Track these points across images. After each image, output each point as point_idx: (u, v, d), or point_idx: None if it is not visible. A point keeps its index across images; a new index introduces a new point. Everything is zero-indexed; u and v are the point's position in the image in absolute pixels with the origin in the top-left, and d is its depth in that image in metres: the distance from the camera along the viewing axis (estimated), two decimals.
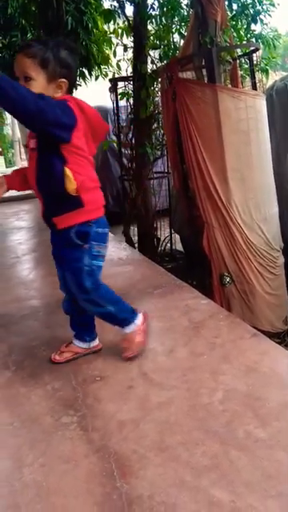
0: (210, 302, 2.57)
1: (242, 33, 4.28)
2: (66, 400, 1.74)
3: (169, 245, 5.16)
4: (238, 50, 3.50)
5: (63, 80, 1.69)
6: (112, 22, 4.84)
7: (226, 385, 1.74)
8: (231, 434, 1.47)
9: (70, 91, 1.75)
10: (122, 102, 4.90)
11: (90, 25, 6.18)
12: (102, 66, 6.49)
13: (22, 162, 16.50)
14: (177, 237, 5.20)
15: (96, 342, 2.08)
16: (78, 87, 7.12)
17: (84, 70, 6.76)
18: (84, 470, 1.37)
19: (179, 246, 5.22)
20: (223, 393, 1.69)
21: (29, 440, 1.54)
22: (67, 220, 1.76)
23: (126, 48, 4.74)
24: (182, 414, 1.59)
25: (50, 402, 1.75)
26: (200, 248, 3.22)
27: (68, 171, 1.67)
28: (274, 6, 4.19)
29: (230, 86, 3.24)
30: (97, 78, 6.71)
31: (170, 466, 1.36)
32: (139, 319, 2.01)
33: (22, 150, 14.71)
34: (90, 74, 6.73)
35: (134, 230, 5.11)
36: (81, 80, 6.95)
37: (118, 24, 5.05)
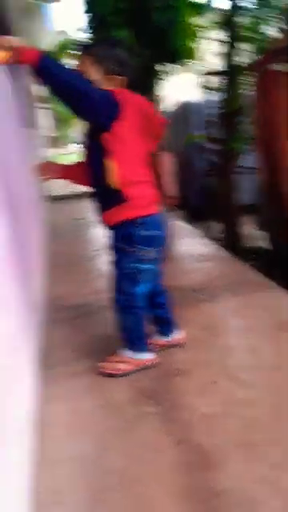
0: None
1: None
2: (148, 391, 1.77)
3: (254, 242, 5.03)
4: None
5: (118, 77, 1.72)
6: (202, 16, 4.80)
7: None
8: None
9: (131, 88, 1.75)
10: (211, 97, 4.84)
11: (178, 19, 6.16)
12: (188, 61, 6.46)
13: None
14: (262, 234, 5.06)
15: (178, 335, 2.08)
16: (161, 82, 7.16)
17: (169, 65, 6.77)
18: (166, 460, 1.39)
19: (264, 244, 5.08)
20: None
21: (112, 426, 1.58)
22: (114, 216, 1.73)
23: (215, 42, 4.68)
24: (266, 413, 1.55)
25: (132, 391, 1.78)
26: (287, 245, 3.11)
27: (110, 163, 1.65)
28: None
29: None
30: (184, 72, 6.68)
31: (252, 462, 1.34)
32: (140, 357, 1.93)
33: None
34: (177, 69, 6.71)
35: (217, 226, 5.05)
36: (168, 75, 6.97)
37: (209, 17, 4.99)
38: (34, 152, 4.50)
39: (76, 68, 1.69)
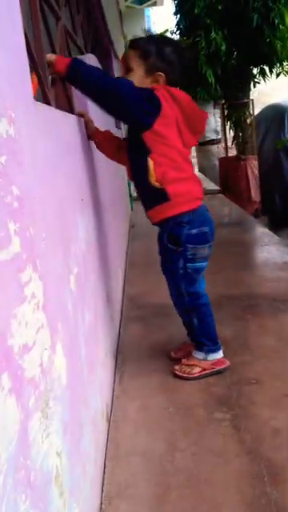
0: None
1: None
2: (220, 396, 1.76)
3: None
4: None
5: (160, 74, 1.69)
6: None
7: None
8: None
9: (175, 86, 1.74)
10: None
11: (276, 21, 6.03)
12: (284, 63, 6.29)
13: (192, 159, 16.85)
14: None
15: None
16: (257, 85, 7.04)
17: (265, 67, 6.64)
18: (234, 467, 1.38)
19: None
20: None
21: (182, 427, 1.60)
22: (158, 214, 1.74)
23: None
24: None
25: (204, 395, 1.79)
26: None
27: (150, 162, 1.64)
28: None
29: None
30: (278, 75, 6.52)
31: None
32: (214, 357, 1.90)
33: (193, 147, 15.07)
34: (271, 72, 6.57)
35: None
36: (260, 77, 6.84)
37: None
38: None
39: (124, 63, 1.76)
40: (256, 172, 7.32)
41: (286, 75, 5.89)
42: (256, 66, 6.74)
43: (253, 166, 7.33)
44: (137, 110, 1.59)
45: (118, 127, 4.58)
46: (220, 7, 6.54)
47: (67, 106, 1.93)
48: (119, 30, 6.21)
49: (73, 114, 1.89)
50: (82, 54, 2.55)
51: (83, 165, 1.74)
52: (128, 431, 1.63)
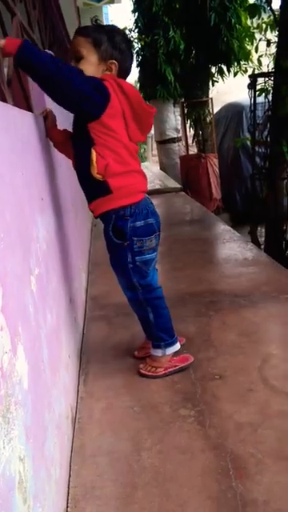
0: None
1: None
2: (185, 393, 1.78)
3: None
4: None
5: (113, 61, 1.65)
6: (256, 17, 4.75)
7: None
8: None
9: (124, 77, 1.73)
10: (260, 99, 4.79)
11: (233, 20, 6.12)
12: (241, 62, 6.40)
13: (152, 157, 16.94)
14: None
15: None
16: (215, 83, 7.13)
17: (223, 66, 6.73)
18: (200, 463, 1.40)
19: None
20: None
21: (148, 426, 1.60)
22: (99, 207, 1.72)
23: (269, 43, 4.63)
24: None
25: (169, 392, 1.80)
26: None
27: (93, 153, 1.60)
28: None
29: None
30: (235, 74, 6.63)
31: (285, 475, 1.32)
32: (172, 351, 1.90)
33: (154, 145, 15.15)
34: (229, 70, 6.67)
35: (261, 231, 4.98)
36: (218, 76, 6.93)
37: (262, 19, 4.94)
38: None
39: (72, 51, 1.66)
40: (216, 170, 7.42)
41: (244, 74, 5.98)
42: (214, 65, 6.82)
43: (213, 164, 7.42)
44: (84, 99, 1.53)
45: None
46: (178, 6, 6.58)
47: (25, 104, 1.89)
48: (77, 27, 6.15)
49: (31, 111, 1.86)
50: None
51: (42, 164, 1.71)
52: (93, 432, 1.61)
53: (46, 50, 2.54)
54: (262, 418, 1.58)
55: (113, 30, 1.71)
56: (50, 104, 1.92)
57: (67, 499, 1.32)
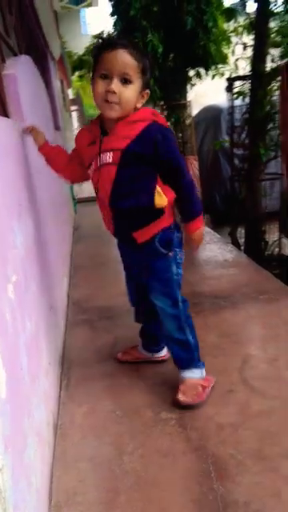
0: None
1: None
2: (166, 396, 1.78)
3: (277, 249, 5.00)
4: None
5: (148, 91, 1.56)
6: (233, 21, 4.80)
7: None
8: None
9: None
10: (237, 102, 4.84)
11: (209, 24, 6.16)
12: (219, 66, 6.45)
13: None
14: (286, 241, 5.02)
15: (161, 354, 2.05)
16: (194, 87, 7.17)
17: (200, 69, 6.77)
18: (181, 466, 1.40)
19: None
20: None
21: (129, 430, 1.61)
22: (149, 231, 1.65)
23: (245, 46, 4.69)
24: (283, 426, 1.55)
25: (151, 396, 1.80)
26: None
27: (158, 188, 1.59)
28: None
29: None
30: (213, 77, 6.68)
31: (267, 475, 1.34)
32: (204, 373, 1.78)
33: None
34: (207, 74, 6.71)
35: (241, 232, 5.03)
36: (196, 79, 6.97)
37: (238, 22, 5.00)
38: None
39: (119, 70, 1.44)
40: (197, 172, 7.44)
41: (221, 77, 6.03)
42: (192, 68, 6.86)
43: (193, 166, 7.45)
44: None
45: (57, 129, 4.52)
46: (156, 9, 6.60)
47: (1, 110, 1.88)
48: (55, 31, 6.12)
49: (7, 117, 1.85)
50: (16, 55, 2.49)
51: (20, 169, 1.70)
52: (75, 438, 1.61)
53: (23, 56, 2.53)
54: (243, 418, 1.60)
55: (147, 54, 1.59)
56: (28, 114, 1.91)
57: (49, 506, 1.31)
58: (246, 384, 1.80)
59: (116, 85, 1.44)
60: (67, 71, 10.30)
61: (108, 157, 1.54)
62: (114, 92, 1.44)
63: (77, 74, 11.57)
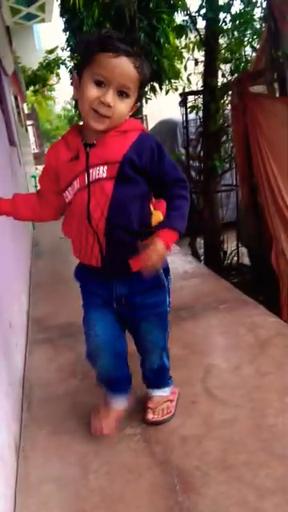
0: (277, 319, 2.52)
1: None
2: (130, 412, 1.76)
3: (235, 258, 5.10)
4: None
5: (138, 104, 1.39)
6: (184, 37, 4.93)
7: None
8: None
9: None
10: (192, 115, 4.95)
11: (161, 40, 6.30)
12: (172, 80, 6.59)
13: None
14: (244, 250, 5.14)
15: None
16: (149, 101, 7.28)
17: (155, 84, 6.90)
18: (147, 481, 1.40)
19: (246, 260, 5.15)
20: None
21: (94, 448, 1.59)
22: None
23: (196, 62, 4.80)
24: (246, 434, 1.57)
25: None
26: (268, 263, 3.17)
27: (151, 207, 1.42)
28: None
29: None
30: (167, 92, 6.81)
31: (232, 485, 1.36)
32: (172, 387, 1.78)
33: None
34: (161, 88, 6.84)
35: (200, 243, 5.11)
36: (151, 94, 7.09)
37: (189, 39, 5.13)
38: (16, 170, 4.52)
39: (120, 82, 1.25)
40: None
41: (175, 92, 6.16)
42: (149, 83, 6.99)
43: None
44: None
45: (12, 144, 4.48)
46: (108, 25, 6.69)
47: None
48: (7, 47, 6.08)
49: None
50: None
51: None
52: (39, 460, 1.58)
53: None
54: (206, 429, 1.62)
55: (148, 62, 1.39)
56: None
57: None
58: (209, 394, 1.82)
59: (112, 97, 1.25)
60: (21, 86, 10.23)
61: (101, 171, 1.32)
62: (109, 106, 1.25)
63: (31, 88, 11.55)
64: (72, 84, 1.36)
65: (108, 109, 1.26)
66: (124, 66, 1.23)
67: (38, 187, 1.53)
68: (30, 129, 13.92)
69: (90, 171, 1.33)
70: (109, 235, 1.36)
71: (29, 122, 13.76)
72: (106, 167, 1.31)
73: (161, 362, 1.67)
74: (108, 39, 1.23)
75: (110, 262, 1.41)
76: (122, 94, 1.27)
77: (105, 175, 1.32)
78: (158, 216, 1.42)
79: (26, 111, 13.36)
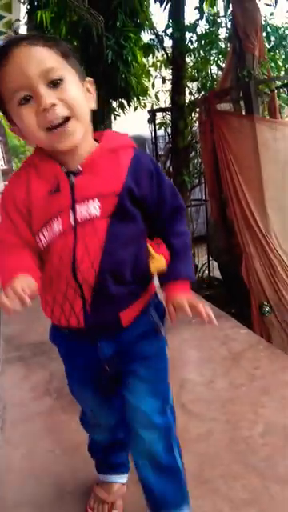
0: (249, 331, 2.56)
1: (280, 63, 4.34)
2: None
3: (206, 272, 5.16)
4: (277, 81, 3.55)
5: (90, 79, 1.07)
6: (151, 56, 5.02)
7: (266, 418, 1.73)
8: (271, 469, 1.46)
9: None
10: (160, 132, 5.03)
11: (129, 58, 6.39)
12: (140, 98, 6.68)
13: None
14: (214, 264, 5.20)
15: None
16: (117, 117, 7.36)
17: (123, 101, 6.97)
18: (125, 498, 1.39)
19: (217, 273, 5.22)
20: (263, 426, 1.68)
21: (70, 468, 1.58)
22: (138, 305, 1.11)
23: (164, 80, 4.90)
24: (221, 447, 1.59)
25: None
26: (238, 276, 3.22)
27: (150, 247, 1.11)
28: None
29: (268, 116, 3.28)
30: (135, 108, 6.89)
31: (209, 498, 1.37)
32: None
33: None
34: (129, 105, 6.92)
35: None
36: (120, 111, 7.17)
37: (156, 57, 5.23)
38: None
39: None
40: None
41: (143, 109, 6.24)
42: (115, 100, 7.06)
43: None
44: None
45: None
46: (76, 43, 6.75)
47: None
48: None
49: None
50: None
51: None
52: (14, 482, 1.55)
53: None
54: (182, 444, 1.59)
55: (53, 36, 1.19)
56: None
57: None
58: (184, 409, 1.83)
59: (48, 94, 0.92)
60: None
61: (93, 207, 0.99)
62: (53, 104, 0.92)
63: None
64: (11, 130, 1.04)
65: (56, 108, 0.92)
66: (27, 55, 0.91)
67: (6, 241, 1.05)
68: None
69: (77, 208, 0.99)
70: (98, 289, 1.03)
71: None
72: (98, 202, 0.99)
73: (170, 460, 1.17)
74: None
75: (96, 319, 1.07)
76: (54, 83, 0.93)
77: (98, 213, 0.99)
78: (160, 262, 1.10)
79: None
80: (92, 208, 0.99)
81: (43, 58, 0.92)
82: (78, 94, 0.97)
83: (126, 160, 1.03)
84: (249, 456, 1.53)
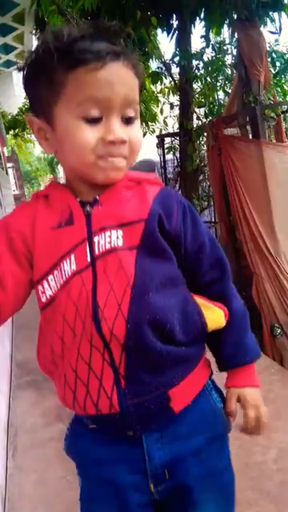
0: (262, 354, 2.54)
1: (286, 87, 4.42)
2: None
3: None
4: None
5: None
6: (159, 83, 5.13)
7: (279, 442, 1.71)
8: (286, 495, 1.44)
9: None
10: (169, 156, 5.10)
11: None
12: (149, 123, 6.80)
13: None
14: None
15: None
16: None
17: None
18: None
19: None
20: (277, 451, 1.66)
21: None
22: (196, 381, 0.87)
23: (172, 106, 4.99)
24: (235, 473, 1.56)
25: None
26: (249, 299, 3.21)
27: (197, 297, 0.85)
28: None
29: (274, 140, 3.32)
30: (144, 134, 7.00)
31: None
32: None
33: None
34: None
35: None
36: None
37: (164, 84, 5.34)
38: None
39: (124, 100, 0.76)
40: None
41: (152, 134, 6.34)
42: None
43: None
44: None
45: None
46: None
47: None
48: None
49: None
50: None
51: None
52: (25, 509, 1.54)
53: None
54: None
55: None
56: None
57: None
58: None
59: (121, 128, 0.77)
60: (1, 131, 10.43)
61: (115, 237, 0.78)
62: (124, 141, 0.77)
63: (11, 132, 11.81)
64: (34, 133, 0.84)
65: (124, 147, 0.78)
66: (120, 76, 0.75)
67: None
68: (10, 171, 14.08)
69: (95, 239, 0.78)
70: (131, 346, 0.75)
71: (9, 165, 13.93)
72: (121, 231, 0.78)
73: None
74: (80, 42, 0.73)
75: (136, 398, 0.77)
76: (127, 119, 0.78)
77: (121, 243, 0.78)
78: (217, 314, 0.85)
79: (6, 154, 13.55)
80: (114, 238, 0.78)
81: (131, 87, 0.77)
82: (141, 136, 0.84)
83: (152, 190, 0.84)
84: (263, 482, 1.51)
